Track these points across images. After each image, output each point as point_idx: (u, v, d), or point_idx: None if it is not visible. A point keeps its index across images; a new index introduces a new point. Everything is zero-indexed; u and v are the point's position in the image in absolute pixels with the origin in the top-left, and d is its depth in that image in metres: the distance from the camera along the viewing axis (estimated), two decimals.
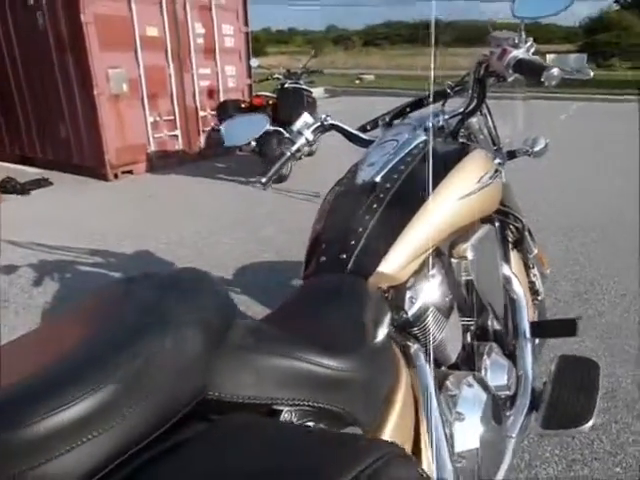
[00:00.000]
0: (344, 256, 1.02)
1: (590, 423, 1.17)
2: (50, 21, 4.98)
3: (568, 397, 1.26)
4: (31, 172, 5.54)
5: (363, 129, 1.51)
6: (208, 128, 6.12)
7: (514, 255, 1.55)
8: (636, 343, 2.06)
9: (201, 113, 6.03)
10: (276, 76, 5.52)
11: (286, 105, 4.68)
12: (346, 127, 1.45)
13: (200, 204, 4.45)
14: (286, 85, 5.20)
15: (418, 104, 1.51)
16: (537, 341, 1.43)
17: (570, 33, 43.00)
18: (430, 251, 1.06)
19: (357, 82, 18.70)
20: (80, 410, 0.42)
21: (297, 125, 1.43)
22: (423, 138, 1.24)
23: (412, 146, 1.21)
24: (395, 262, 1.00)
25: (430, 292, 1.06)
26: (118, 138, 5.22)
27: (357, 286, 0.97)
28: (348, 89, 15.09)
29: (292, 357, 0.65)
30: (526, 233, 1.57)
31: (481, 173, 1.17)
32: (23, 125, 5.85)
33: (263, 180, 1.42)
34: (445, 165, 1.14)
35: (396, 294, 1.03)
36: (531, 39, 1.21)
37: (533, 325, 1.36)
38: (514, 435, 1.17)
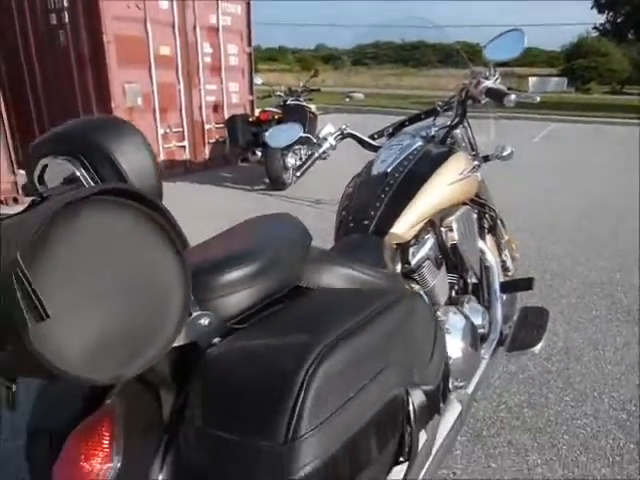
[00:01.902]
0: (366, 222, 1.48)
1: (539, 346, 1.63)
2: (72, 39, 5.41)
3: (525, 332, 1.72)
4: None
5: (372, 137, 1.96)
6: (213, 140, 6.57)
7: (489, 238, 2.01)
8: (587, 316, 2.53)
9: (207, 126, 6.46)
10: (278, 93, 6.01)
11: (290, 120, 5.14)
12: (360, 135, 1.90)
13: (214, 207, 4.86)
14: (288, 102, 5.69)
15: (415, 119, 1.98)
16: (505, 297, 1.87)
17: (552, 57, 44.52)
18: (426, 221, 1.51)
19: (347, 100, 19.30)
20: (243, 272, 0.85)
21: (323, 132, 1.88)
22: (420, 143, 1.70)
23: (413, 148, 1.67)
24: (403, 227, 1.45)
25: (426, 250, 1.50)
26: None
27: (377, 242, 1.42)
28: (339, 107, 15.64)
29: (350, 267, 1.10)
30: (498, 221, 2.04)
31: (463, 168, 1.63)
32: (38, 135, 6.21)
33: (298, 174, 1.86)
34: (437, 162, 1.60)
35: (403, 249, 1.47)
36: (498, 72, 1.68)
37: (502, 284, 1.82)
38: (486, 357, 1.61)
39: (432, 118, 1.91)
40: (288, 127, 1.93)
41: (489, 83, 1.63)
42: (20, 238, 0.53)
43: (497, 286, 1.81)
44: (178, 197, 5.02)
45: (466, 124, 1.94)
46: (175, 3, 5.80)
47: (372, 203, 1.51)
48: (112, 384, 0.74)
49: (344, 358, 0.70)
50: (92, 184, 0.76)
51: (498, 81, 1.65)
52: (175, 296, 0.65)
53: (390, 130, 1.99)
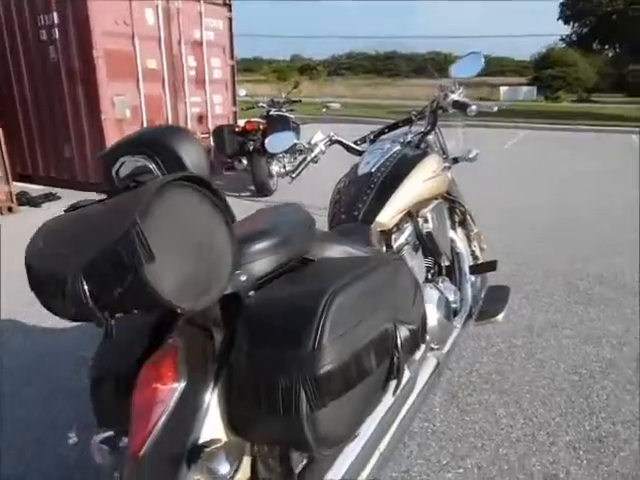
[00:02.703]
0: (355, 213, 1.76)
1: (501, 316, 1.94)
2: (63, 54, 5.62)
3: (491, 305, 2.02)
4: (34, 188, 6.05)
5: (355, 143, 2.25)
6: None
7: (460, 230, 2.31)
8: (548, 300, 2.86)
9: None
10: (261, 104, 6.29)
11: (275, 130, 5.43)
12: (346, 141, 2.19)
13: None
14: (271, 112, 5.98)
15: (393, 127, 2.28)
16: (474, 278, 2.17)
17: (521, 67, 45.85)
18: (406, 212, 1.80)
19: (324, 110, 19.71)
20: (266, 244, 1.11)
21: (314, 139, 2.16)
22: (398, 147, 2.00)
23: (392, 152, 1.96)
24: (386, 216, 1.74)
25: (405, 236, 1.80)
26: None
27: (365, 229, 1.71)
28: (316, 116, 16.00)
29: (345, 244, 1.38)
30: (467, 216, 2.35)
31: (435, 167, 1.93)
32: (27, 147, 6.38)
33: (293, 175, 2.13)
34: (413, 162, 1.90)
35: (386, 236, 1.76)
36: (462, 87, 1.98)
37: (470, 267, 2.12)
38: (458, 327, 1.90)
39: (408, 126, 2.21)
40: (284, 135, 2.21)
41: (455, 96, 1.94)
42: (136, 205, 0.80)
43: (467, 269, 2.11)
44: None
45: (437, 131, 2.24)
46: (161, 19, 6.05)
47: (360, 197, 1.79)
48: (171, 325, 1.00)
49: (349, 297, 0.97)
50: (160, 175, 1.03)
51: (463, 94, 1.96)
52: (227, 255, 0.92)
53: (371, 137, 2.28)
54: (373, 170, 1.87)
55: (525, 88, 28.45)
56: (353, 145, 2.21)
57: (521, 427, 1.82)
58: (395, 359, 1.07)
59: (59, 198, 5.69)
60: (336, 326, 0.92)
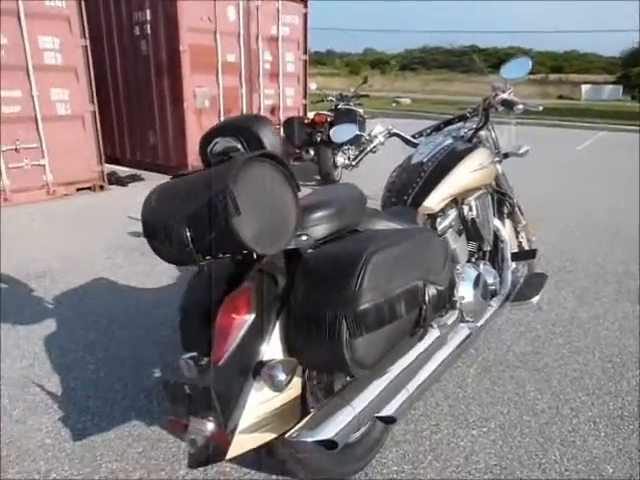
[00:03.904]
0: (405, 197, 1.99)
1: (536, 299, 2.11)
2: (153, 48, 6.17)
3: (527, 289, 2.19)
4: (122, 170, 6.68)
5: (412, 137, 2.46)
6: None
7: (507, 222, 2.48)
8: (591, 297, 2.94)
9: None
10: (330, 98, 6.57)
11: (341, 122, 5.70)
12: (403, 134, 2.41)
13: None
14: (339, 106, 6.24)
15: (449, 122, 2.47)
16: (514, 265, 2.33)
17: (609, 64, 43.18)
18: (451, 199, 2.00)
19: (394, 105, 19.68)
20: (324, 213, 1.39)
21: (374, 131, 2.39)
22: (450, 141, 2.19)
23: (444, 144, 2.16)
24: (433, 201, 1.95)
25: (449, 220, 2.00)
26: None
27: (413, 212, 1.93)
28: (386, 111, 16.10)
29: (392, 221, 1.62)
30: (516, 209, 2.52)
31: (482, 160, 2.11)
32: (117, 132, 7.04)
33: (353, 163, 2.38)
34: (462, 154, 2.09)
35: (431, 219, 1.97)
36: (512, 87, 2.14)
37: (513, 254, 2.28)
38: (494, 306, 2.08)
39: (462, 122, 2.40)
40: (347, 127, 2.45)
41: (504, 95, 2.11)
42: (228, 173, 1.09)
43: (508, 256, 2.28)
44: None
45: (490, 127, 2.41)
46: (242, 15, 6.46)
47: (410, 183, 2.02)
48: (248, 269, 1.29)
49: (386, 255, 1.22)
50: (245, 153, 1.32)
51: (512, 94, 2.13)
52: (292, 216, 1.20)
53: (428, 131, 2.49)
54: (425, 160, 2.09)
55: (609, 87, 26.93)
56: (410, 138, 2.42)
57: (547, 401, 1.99)
58: (423, 311, 1.31)
59: (142, 179, 6.26)
60: (374, 275, 1.17)
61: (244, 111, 6.83)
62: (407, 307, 1.25)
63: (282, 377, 1.19)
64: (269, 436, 1.29)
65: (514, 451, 1.72)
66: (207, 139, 1.43)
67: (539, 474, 1.62)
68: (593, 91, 26.52)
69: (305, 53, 7.56)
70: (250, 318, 1.26)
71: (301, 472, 1.47)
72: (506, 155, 2.47)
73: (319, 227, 1.39)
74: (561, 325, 2.60)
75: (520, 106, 2.03)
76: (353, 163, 2.39)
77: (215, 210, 1.09)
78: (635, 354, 2.32)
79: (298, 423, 1.28)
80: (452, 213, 2.04)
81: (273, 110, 7.24)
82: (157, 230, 1.20)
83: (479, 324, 1.95)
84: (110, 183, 5.94)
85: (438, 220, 1.99)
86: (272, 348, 1.26)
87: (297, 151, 7.43)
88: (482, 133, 2.36)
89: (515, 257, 2.30)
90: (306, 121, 5.85)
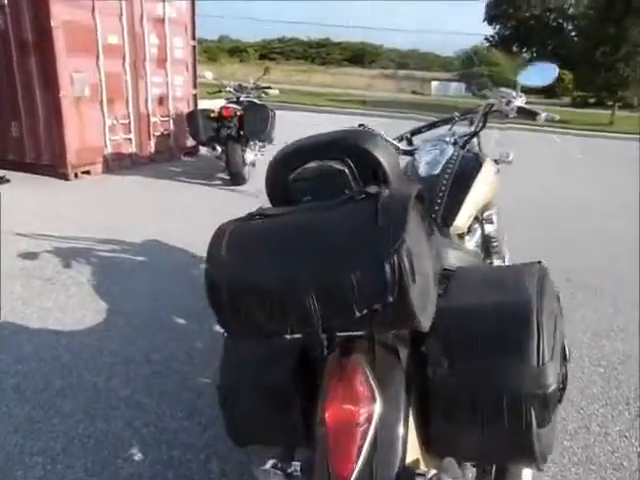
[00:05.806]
0: (433, 215, 1.78)
1: None
2: (12, 23, 5.08)
3: None
4: None
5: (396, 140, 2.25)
6: (158, 133, 6.48)
7: None
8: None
9: (152, 119, 6.35)
10: (228, 89, 6.08)
11: (252, 117, 5.30)
12: (391, 140, 2.19)
13: (179, 201, 4.87)
14: (241, 99, 5.80)
15: (431, 126, 2.32)
16: None
17: (446, 62, 47.69)
18: (474, 215, 1.85)
19: (263, 96, 19.36)
20: None
21: None
22: (452, 149, 2.03)
23: (450, 154, 1.99)
24: (462, 220, 1.77)
25: (477, 238, 1.85)
26: (78, 139, 5.41)
27: (447, 232, 1.74)
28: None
29: (457, 250, 1.40)
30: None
31: (493, 171, 1.99)
32: None
33: None
34: (475, 167, 1.94)
35: (460, 238, 1.80)
36: (523, 94, 2.05)
37: None
38: None
39: (449, 126, 2.27)
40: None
41: (518, 102, 2.00)
42: (392, 220, 0.80)
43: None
44: (147, 194, 4.93)
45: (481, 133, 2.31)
46: None
47: (434, 200, 1.81)
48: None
49: (549, 308, 0.99)
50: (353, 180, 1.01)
51: (525, 101, 2.03)
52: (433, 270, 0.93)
53: (408, 135, 2.31)
54: (438, 172, 1.89)
55: (454, 84, 29.70)
56: (395, 143, 2.22)
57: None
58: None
59: (8, 181, 5.18)
60: (550, 340, 0.94)
61: (130, 101, 6.00)
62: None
63: None
64: None
65: None
66: (286, 163, 1.06)
67: None
68: (441, 87, 29.06)
69: (194, 39, 6.90)
70: (377, 408, 0.90)
71: None
72: (496, 162, 2.41)
73: None
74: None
75: (543, 115, 1.94)
76: None
77: (381, 274, 0.78)
78: None
79: None
80: (476, 230, 1.90)
81: (161, 100, 6.49)
82: (247, 297, 0.85)
83: None
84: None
85: (467, 238, 1.83)
86: (411, 447, 0.94)
87: (188, 146, 6.85)
88: (474, 139, 2.26)
89: None
90: (212, 115, 5.34)
